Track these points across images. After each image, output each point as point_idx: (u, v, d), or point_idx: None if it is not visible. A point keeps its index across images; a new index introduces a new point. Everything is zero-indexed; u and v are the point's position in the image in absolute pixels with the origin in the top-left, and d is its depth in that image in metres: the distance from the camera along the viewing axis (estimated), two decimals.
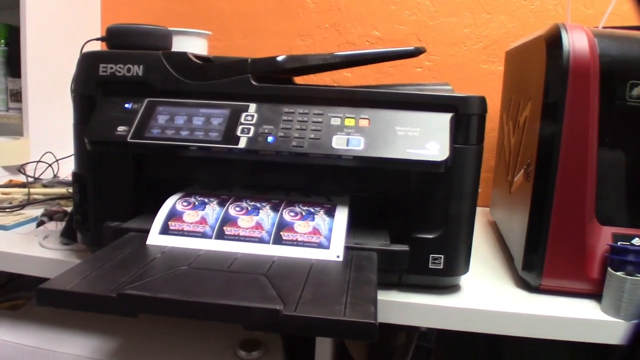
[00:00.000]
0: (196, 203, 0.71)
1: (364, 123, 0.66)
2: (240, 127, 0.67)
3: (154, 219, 0.69)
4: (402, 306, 0.68)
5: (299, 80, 0.86)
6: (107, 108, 0.71)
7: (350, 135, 0.65)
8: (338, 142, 0.65)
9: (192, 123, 0.68)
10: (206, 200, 0.72)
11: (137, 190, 0.75)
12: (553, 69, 0.68)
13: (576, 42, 0.67)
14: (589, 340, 0.66)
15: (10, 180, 1.16)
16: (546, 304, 0.69)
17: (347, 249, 0.66)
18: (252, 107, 0.69)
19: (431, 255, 0.68)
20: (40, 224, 0.90)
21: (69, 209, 0.92)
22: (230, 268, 0.60)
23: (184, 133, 0.68)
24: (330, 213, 0.69)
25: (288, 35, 1.34)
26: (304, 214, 0.69)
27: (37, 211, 0.95)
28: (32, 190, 1.04)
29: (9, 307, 0.94)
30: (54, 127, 1.25)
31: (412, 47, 0.74)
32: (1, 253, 0.78)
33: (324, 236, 0.66)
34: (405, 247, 0.68)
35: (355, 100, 0.69)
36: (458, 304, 0.68)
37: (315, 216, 0.68)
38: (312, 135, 0.66)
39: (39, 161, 1.21)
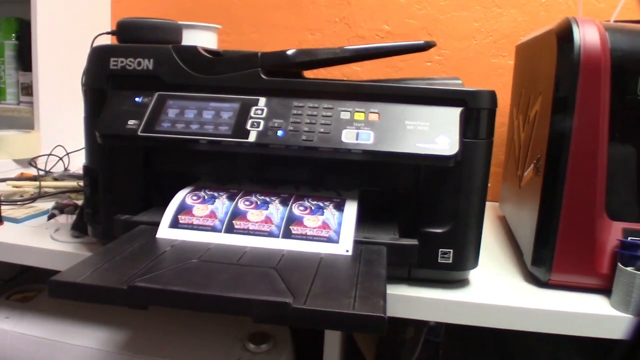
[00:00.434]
0: (206, 197, 0.72)
1: (373, 117, 0.66)
2: (250, 121, 0.67)
3: (163, 212, 0.69)
4: (411, 300, 0.68)
5: (309, 74, 0.86)
6: (117, 102, 0.71)
7: (360, 130, 0.65)
8: (347, 136, 0.65)
9: (202, 117, 0.69)
10: (216, 194, 0.72)
11: (147, 183, 0.76)
12: (564, 63, 0.68)
13: (587, 36, 0.66)
14: (598, 335, 0.66)
15: (22, 174, 1.17)
16: (555, 299, 0.69)
17: (357, 243, 0.66)
18: (262, 101, 0.69)
19: (440, 250, 0.68)
20: (51, 217, 0.90)
21: (80, 202, 0.93)
22: (239, 261, 0.61)
23: (194, 127, 0.68)
24: (340, 207, 0.69)
25: (298, 29, 1.34)
26: (313, 208, 0.69)
27: (48, 204, 0.96)
28: (43, 183, 1.05)
29: (19, 299, 0.95)
30: (65, 121, 1.26)
31: (422, 41, 0.74)
32: (13, 245, 0.79)
33: (333, 230, 0.66)
34: (414, 242, 0.68)
35: (364, 95, 0.68)
36: (467, 298, 0.68)
37: (325, 210, 0.69)
38: (322, 129, 0.66)
39: (50, 154, 1.21)
